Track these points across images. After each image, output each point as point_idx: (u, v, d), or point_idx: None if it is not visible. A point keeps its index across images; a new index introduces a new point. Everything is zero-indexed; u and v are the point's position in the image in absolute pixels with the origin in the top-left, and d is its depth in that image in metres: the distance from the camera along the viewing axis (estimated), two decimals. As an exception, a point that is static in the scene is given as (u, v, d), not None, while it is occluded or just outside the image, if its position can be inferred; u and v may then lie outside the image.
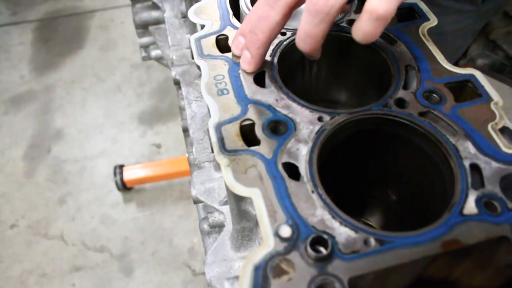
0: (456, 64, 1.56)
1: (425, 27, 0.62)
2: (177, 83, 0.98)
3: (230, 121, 0.50)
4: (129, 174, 2.21)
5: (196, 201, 0.80)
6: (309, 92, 0.71)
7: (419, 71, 0.56)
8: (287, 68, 0.63)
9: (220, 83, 0.54)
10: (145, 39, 1.27)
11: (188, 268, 2.13)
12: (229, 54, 0.58)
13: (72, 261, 2.14)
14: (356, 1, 0.65)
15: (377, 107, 0.52)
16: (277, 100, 0.52)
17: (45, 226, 2.25)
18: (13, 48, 2.94)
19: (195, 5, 0.67)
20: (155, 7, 1.19)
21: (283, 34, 0.61)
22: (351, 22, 0.63)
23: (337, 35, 0.61)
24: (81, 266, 2.13)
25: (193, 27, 0.97)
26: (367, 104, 0.68)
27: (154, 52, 1.30)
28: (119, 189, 2.26)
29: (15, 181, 2.39)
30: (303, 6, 0.75)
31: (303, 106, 0.52)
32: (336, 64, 0.66)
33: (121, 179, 2.21)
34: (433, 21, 0.62)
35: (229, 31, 0.62)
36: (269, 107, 0.52)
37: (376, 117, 0.51)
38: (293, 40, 0.60)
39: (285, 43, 0.59)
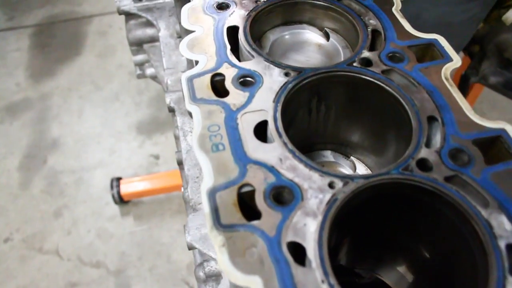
0: (466, 81, 1.49)
1: (448, 69, 0.55)
2: (172, 110, 0.92)
3: (226, 186, 0.43)
4: (126, 188, 2.15)
5: (191, 248, 0.73)
6: (315, 135, 0.64)
7: (443, 124, 0.49)
8: (292, 112, 0.56)
9: (215, 136, 0.48)
10: (140, 57, 1.21)
11: (186, 285, 2.07)
12: (226, 99, 0.51)
13: (67, 277, 2.08)
14: (370, 37, 0.59)
15: (396, 170, 0.45)
16: (281, 160, 0.46)
17: (40, 240, 2.18)
18: (9, 54, 2.88)
19: (189, 37, 0.60)
20: (150, 24, 1.12)
21: (287, 74, 0.54)
22: (365, 61, 0.56)
23: (350, 76, 0.54)
24: (77, 282, 2.06)
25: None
26: (380, 147, 0.62)
27: (149, 70, 1.23)
28: (116, 202, 2.20)
29: (10, 193, 2.33)
30: (310, 38, 0.68)
31: (311, 168, 0.45)
32: (348, 107, 0.59)
33: (118, 192, 2.15)
34: (456, 62, 0.55)
35: (226, 70, 0.55)
36: (272, 168, 0.45)
37: (396, 183, 0.44)
38: (299, 82, 0.53)
39: (290, 85, 0.52)
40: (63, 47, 2.88)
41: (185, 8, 0.64)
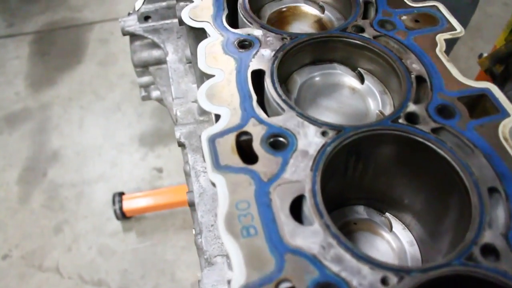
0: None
1: (506, 126, 0.48)
2: (182, 145, 0.85)
3: (261, 283, 0.36)
4: (129, 204, 2.08)
5: (207, 307, 0.66)
6: (348, 191, 0.57)
7: (507, 199, 0.42)
8: (326, 174, 0.49)
9: (245, 216, 0.41)
10: (145, 79, 1.13)
11: (191, 304, 2.01)
12: (256, 167, 0.44)
13: (68, 296, 2.01)
14: (414, 86, 0.52)
15: (458, 260, 0.38)
16: (324, 248, 0.39)
17: (39, 257, 2.11)
18: (9, 62, 2.80)
19: (208, 83, 0.52)
20: (156, 45, 1.05)
21: (324, 134, 0.47)
22: (411, 117, 0.49)
23: (397, 136, 0.47)
24: (78, 301, 2.00)
25: (201, 78, 0.83)
26: (423, 208, 0.55)
27: (155, 93, 1.16)
28: (118, 218, 2.13)
29: (9, 207, 2.26)
30: (342, 80, 0.61)
31: (359, 259, 0.38)
32: (389, 167, 0.52)
33: (120, 208, 2.08)
34: (515, 117, 0.48)
35: (253, 127, 0.47)
36: (314, 259, 0.38)
37: (459, 276, 0.37)
38: (339, 143, 0.46)
39: (328, 149, 0.45)
40: (64, 55, 2.80)
41: (202, 47, 0.57)
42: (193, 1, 0.64)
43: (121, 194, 2.12)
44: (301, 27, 0.68)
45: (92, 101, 2.61)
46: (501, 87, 1.29)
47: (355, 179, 0.55)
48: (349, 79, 0.59)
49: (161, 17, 1.01)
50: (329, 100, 0.57)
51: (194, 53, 0.75)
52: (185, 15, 0.60)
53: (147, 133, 2.48)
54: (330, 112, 0.56)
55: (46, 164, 2.39)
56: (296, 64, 0.60)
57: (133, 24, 1.03)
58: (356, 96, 0.58)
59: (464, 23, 1.36)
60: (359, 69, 0.60)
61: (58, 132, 2.50)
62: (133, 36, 1.07)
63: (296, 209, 0.43)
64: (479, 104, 0.52)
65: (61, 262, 2.09)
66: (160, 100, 1.17)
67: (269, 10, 0.69)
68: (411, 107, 0.49)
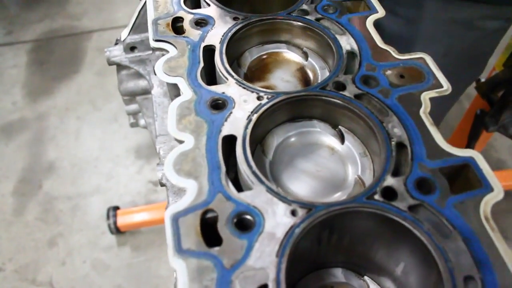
0: (479, 125, 1.40)
1: (488, 204, 0.45)
2: (164, 185, 0.82)
3: None
4: (123, 219, 2.06)
5: None
6: (324, 257, 0.55)
7: (486, 291, 0.39)
8: (296, 250, 0.47)
9: (205, 309, 0.38)
10: (133, 107, 1.12)
11: (184, 321, 1.99)
12: (219, 252, 0.41)
13: (61, 312, 2.00)
14: (394, 155, 0.49)
15: None
16: None
17: (33, 270, 2.11)
18: (6, 71, 2.80)
19: (174, 152, 0.49)
20: (143, 75, 1.03)
21: (294, 213, 0.44)
22: (388, 193, 0.46)
23: (370, 214, 0.45)
24: (71, 317, 1.99)
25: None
26: (402, 276, 0.52)
27: (143, 121, 1.14)
28: (112, 233, 2.11)
29: (3, 220, 2.25)
30: (321, 140, 0.58)
31: None
32: (365, 238, 0.49)
33: (115, 222, 2.07)
34: (498, 193, 0.46)
35: (219, 204, 0.45)
36: None
37: None
38: (309, 223, 0.44)
39: (297, 231, 0.43)
40: (62, 64, 2.80)
41: (174, 107, 0.54)
42: (168, 51, 0.61)
43: (115, 208, 2.11)
44: (283, 75, 0.65)
45: (89, 112, 2.60)
46: (498, 114, 1.26)
47: (330, 247, 0.52)
48: (328, 139, 0.57)
49: (147, 47, 0.99)
50: (306, 162, 0.55)
51: (173, 98, 0.73)
52: (159, 69, 0.58)
53: (144, 145, 2.47)
54: (307, 176, 0.53)
55: (41, 176, 2.38)
56: (273, 123, 0.57)
57: (118, 54, 1.01)
58: (335, 158, 0.55)
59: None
60: (340, 127, 0.57)
61: (55, 143, 2.49)
62: (120, 66, 1.05)
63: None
64: (461, 174, 0.49)
65: (54, 276, 2.08)
66: (147, 128, 1.15)
67: (249, 57, 0.67)
68: (389, 181, 0.47)
